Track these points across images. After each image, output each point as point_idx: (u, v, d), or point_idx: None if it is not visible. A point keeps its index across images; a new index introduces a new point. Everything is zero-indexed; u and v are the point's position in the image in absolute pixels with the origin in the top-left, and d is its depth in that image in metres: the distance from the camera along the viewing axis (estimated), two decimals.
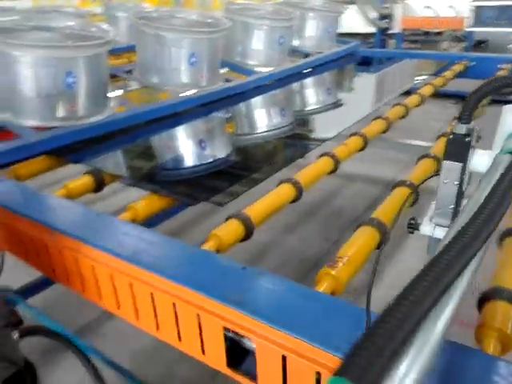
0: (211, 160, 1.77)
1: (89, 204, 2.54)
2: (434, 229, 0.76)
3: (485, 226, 0.41)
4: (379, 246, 0.94)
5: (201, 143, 1.92)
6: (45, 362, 1.62)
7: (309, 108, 2.64)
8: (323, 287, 0.80)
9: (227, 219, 1.02)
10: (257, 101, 2.31)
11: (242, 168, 1.71)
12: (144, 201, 1.15)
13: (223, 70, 2.41)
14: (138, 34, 1.95)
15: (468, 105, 0.68)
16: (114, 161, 1.62)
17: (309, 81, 2.73)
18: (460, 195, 0.73)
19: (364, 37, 6.77)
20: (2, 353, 0.72)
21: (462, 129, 0.69)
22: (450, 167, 0.72)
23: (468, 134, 0.69)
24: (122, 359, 1.39)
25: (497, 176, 0.53)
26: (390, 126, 1.70)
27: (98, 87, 1.55)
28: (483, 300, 0.72)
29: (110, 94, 1.94)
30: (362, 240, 0.91)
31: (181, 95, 1.87)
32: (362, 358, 0.27)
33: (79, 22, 1.63)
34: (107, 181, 1.33)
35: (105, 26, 1.64)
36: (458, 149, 0.70)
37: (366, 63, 3.44)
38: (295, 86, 2.64)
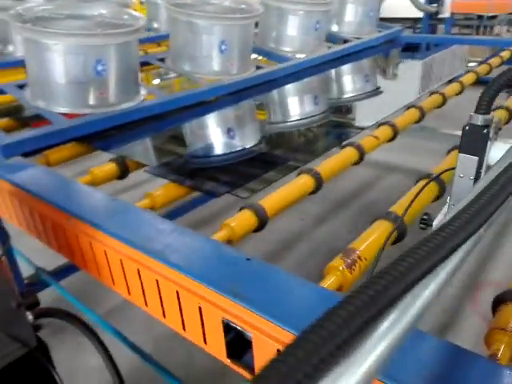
0: (240, 148, 1.77)
1: (124, 190, 2.61)
2: None
3: (473, 219, 0.38)
4: (397, 242, 0.90)
5: (229, 131, 1.91)
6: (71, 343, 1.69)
7: (345, 96, 2.57)
8: (329, 282, 0.78)
9: (240, 209, 1.01)
10: (289, 88, 2.27)
11: (272, 157, 1.69)
12: (163, 188, 1.16)
13: (257, 57, 2.39)
14: (171, 21, 1.96)
15: (487, 93, 0.63)
16: (142, 148, 1.65)
17: (346, 68, 2.65)
18: None
19: (414, 22, 6.49)
20: (13, 334, 0.75)
21: (479, 119, 0.64)
22: (466, 161, 0.67)
23: (486, 126, 0.64)
24: (146, 343, 1.43)
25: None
26: (424, 115, 1.63)
27: (128, 74, 1.58)
28: (498, 302, 0.68)
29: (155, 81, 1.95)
30: (375, 235, 0.88)
31: (210, 83, 1.87)
32: (284, 366, 0.24)
33: (112, 10, 1.65)
34: (132, 168, 1.36)
35: (136, 13, 1.66)
36: (475, 141, 0.65)
37: (412, 49, 3.29)
38: (331, 73, 2.57)
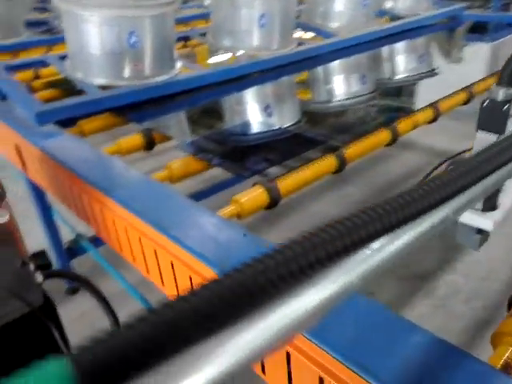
0: (277, 127, 1.73)
1: None
2: None
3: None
4: None
5: (267, 109, 1.87)
6: None
7: (397, 76, 2.44)
8: None
9: (253, 185, 0.99)
10: (335, 66, 2.18)
11: (310, 137, 1.65)
12: (182, 161, 1.16)
13: (303, 33, 2.32)
14: None
15: (510, 64, 0.55)
16: (175, 122, 1.65)
17: (398, 46, 2.51)
18: None
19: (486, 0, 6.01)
20: (17, 292, 0.77)
21: (499, 93, 0.57)
22: (484, 139, 0.60)
23: (508, 101, 0.57)
24: None
25: None
26: (473, 97, 1.50)
27: (163, 47, 1.58)
28: None
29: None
30: None
31: (248, 58, 1.83)
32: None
33: None
34: (158, 141, 1.36)
35: None
36: (494, 117, 0.57)
37: (480, 30, 3.05)
38: (382, 51, 2.45)
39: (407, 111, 1.94)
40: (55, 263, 1.82)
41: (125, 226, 0.86)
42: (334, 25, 2.28)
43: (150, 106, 1.55)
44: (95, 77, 1.53)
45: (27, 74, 2.12)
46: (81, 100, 1.40)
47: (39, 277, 0.86)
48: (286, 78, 1.99)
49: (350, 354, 0.51)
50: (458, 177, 0.37)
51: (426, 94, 2.13)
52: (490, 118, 0.58)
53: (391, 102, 2.19)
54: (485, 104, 0.58)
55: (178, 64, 1.68)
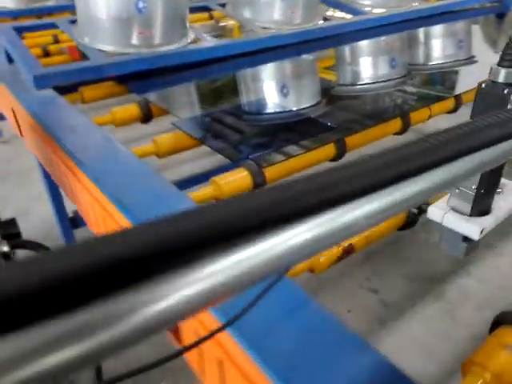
0: (293, 108, 1.63)
1: None
2: (446, 214, 0.55)
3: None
4: (404, 228, 0.75)
5: (283, 88, 1.77)
6: None
7: (432, 62, 2.28)
8: None
9: (239, 167, 0.91)
10: (362, 46, 2.05)
11: (325, 121, 1.54)
12: (171, 136, 1.09)
13: (331, 9, 2.19)
14: None
15: None
16: (177, 97, 1.58)
17: (435, 30, 2.33)
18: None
19: None
20: None
21: (500, 74, 0.46)
22: None
23: (508, 84, 0.46)
24: None
25: None
26: None
27: (173, 14, 1.50)
28: (496, 325, 0.51)
29: None
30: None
31: (266, 31, 1.73)
32: None
33: None
34: (156, 114, 1.30)
35: None
36: (491, 103, 0.47)
37: None
38: (417, 34, 2.28)
39: (435, 98, 1.80)
40: (59, 232, 1.81)
41: (91, 201, 0.81)
42: (366, 2, 2.14)
43: (157, 76, 1.48)
44: (101, 43, 1.47)
45: (46, 38, 2.10)
46: (82, 65, 1.35)
47: (5, 246, 0.83)
48: (307, 56, 1.88)
49: (283, 372, 0.44)
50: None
51: (467, 83, 1.98)
52: (489, 102, 0.48)
53: (424, 89, 2.05)
54: (482, 87, 0.48)
55: (191, 34, 1.60)
